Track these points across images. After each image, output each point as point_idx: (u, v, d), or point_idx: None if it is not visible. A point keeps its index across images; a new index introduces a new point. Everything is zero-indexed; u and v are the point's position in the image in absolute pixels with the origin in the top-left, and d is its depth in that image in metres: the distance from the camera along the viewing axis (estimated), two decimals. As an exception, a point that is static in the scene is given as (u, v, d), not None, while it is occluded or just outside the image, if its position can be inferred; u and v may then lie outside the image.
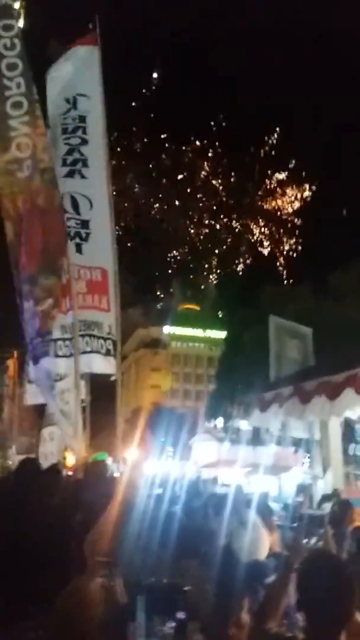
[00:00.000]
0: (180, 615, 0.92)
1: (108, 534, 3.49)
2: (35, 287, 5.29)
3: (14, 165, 5.52)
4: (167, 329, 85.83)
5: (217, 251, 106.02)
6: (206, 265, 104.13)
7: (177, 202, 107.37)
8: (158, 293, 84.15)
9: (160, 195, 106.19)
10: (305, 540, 1.95)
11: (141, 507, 3.76)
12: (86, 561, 3.53)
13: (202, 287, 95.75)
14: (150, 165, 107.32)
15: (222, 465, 25.29)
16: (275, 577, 2.08)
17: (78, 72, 6.54)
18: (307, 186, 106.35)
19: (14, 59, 5.67)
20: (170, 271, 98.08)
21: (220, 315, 70.92)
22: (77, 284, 5.83)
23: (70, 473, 5.97)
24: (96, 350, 5.89)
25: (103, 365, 5.88)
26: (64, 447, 9.45)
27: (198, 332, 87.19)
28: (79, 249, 6.13)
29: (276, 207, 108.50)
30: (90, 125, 6.40)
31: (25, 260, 5.38)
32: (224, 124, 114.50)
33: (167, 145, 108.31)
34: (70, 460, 8.58)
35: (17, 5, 6.18)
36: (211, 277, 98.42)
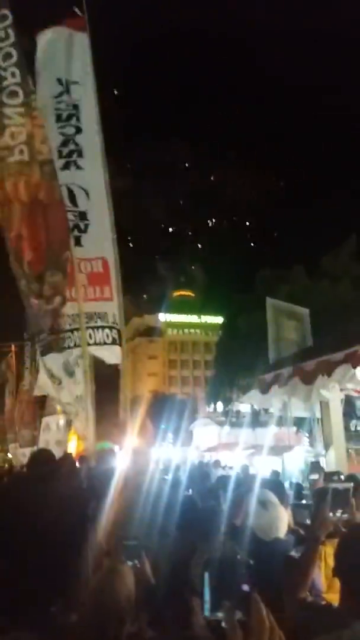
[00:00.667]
0: (245, 587, 0.96)
1: (124, 518, 3.57)
2: (44, 286, 5.27)
3: (5, 151, 5.46)
4: (162, 317, 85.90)
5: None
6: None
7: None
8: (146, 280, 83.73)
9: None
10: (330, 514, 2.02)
11: (155, 492, 3.83)
12: (106, 545, 3.61)
13: (192, 268, 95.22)
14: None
15: (223, 449, 25.63)
16: (303, 550, 2.16)
17: (67, 56, 6.44)
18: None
19: (8, 48, 5.58)
20: (156, 257, 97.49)
21: (215, 301, 70.89)
22: (79, 277, 5.84)
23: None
24: (100, 342, 5.91)
25: (108, 355, 5.91)
26: (70, 434, 9.55)
27: (193, 319, 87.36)
28: (78, 241, 6.11)
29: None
30: (84, 112, 6.33)
31: (33, 258, 5.36)
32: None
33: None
34: (72, 448, 8.66)
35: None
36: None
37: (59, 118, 6.24)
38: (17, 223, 5.39)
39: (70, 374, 5.29)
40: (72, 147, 6.23)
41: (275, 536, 2.53)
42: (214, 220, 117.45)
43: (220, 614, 0.98)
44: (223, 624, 0.96)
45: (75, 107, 6.31)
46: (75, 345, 5.72)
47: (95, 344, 5.90)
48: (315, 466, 8.80)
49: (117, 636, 1.71)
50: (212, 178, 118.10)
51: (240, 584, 1.00)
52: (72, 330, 5.78)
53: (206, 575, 1.04)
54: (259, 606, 0.97)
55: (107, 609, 1.80)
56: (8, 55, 5.58)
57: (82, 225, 6.15)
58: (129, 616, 1.85)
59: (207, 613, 1.00)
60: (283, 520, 2.64)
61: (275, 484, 4.24)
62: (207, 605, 1.01)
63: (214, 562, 1.06)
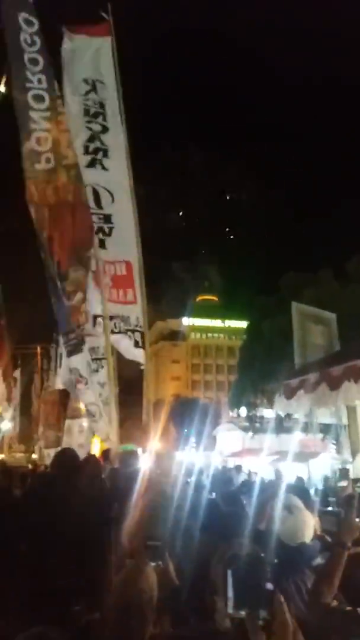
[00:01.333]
0: (269, 586, 0.95)
1: (148, 520, 3.56)
2: (66, 282, 5.36)
3: (33, 156, 5.59)
4: (186, 321, 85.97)
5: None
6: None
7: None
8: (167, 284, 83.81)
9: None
10: (358, 520, 1.97)
11: (178, 494, 3.82)
12: (129, 546, 3.61)
13: (216, 272, 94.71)
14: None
15: (247, 454, 25.40)
16: (329, 555, 2.11)
17: (93, 59, 6.53)
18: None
19: (35, 54, 5.69)
20: (179, 261, 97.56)
21: (238, 305, 70.55)
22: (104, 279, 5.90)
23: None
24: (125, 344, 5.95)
25: (132, 354, 5.94)
26: (92, 439, 9.63)
27: (217, 323, 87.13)
28: (102, 244, 6.16)
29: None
30: (109, 113, 6.40)
31: (61, 257, 5.47)
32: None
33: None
34: (95, 451, 8.71)
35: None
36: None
37: (86, 112, 6.32)
38: (47, 225, 5.52)
39: (94, 373, 5.34)
40: (98, 144, 6.30)
41: (301, 541, 2.48)
42: (237, 224, 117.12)
43: (243, 612, 0.96)
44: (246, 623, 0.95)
45: (102, 105, 6.39)
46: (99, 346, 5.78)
47: (120, 347, 5.94)
48: (343, 473, 8.62)
49: (141, 636, 1.70)
50: (235, 181, 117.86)
51: (264, 582, 0.98)
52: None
53: (229, 573, 1.02)
54: (282, 607, 0.95)
55: (131, 608, 1.80)
56: (34, 61, 5.69)
57: (106, 229, 6.20)
58: (151, 616, 1.84)
59: (230, 610, 0.98)
60: (309, 525, 2.58)
61: (299, 489, 4.16)
62: (230, 603, 0.99)
63: (237, 559, 1.05)
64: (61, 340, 5.77)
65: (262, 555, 1.65)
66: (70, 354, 5.45)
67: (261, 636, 0.93)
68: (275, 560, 1.06)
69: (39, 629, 1.49)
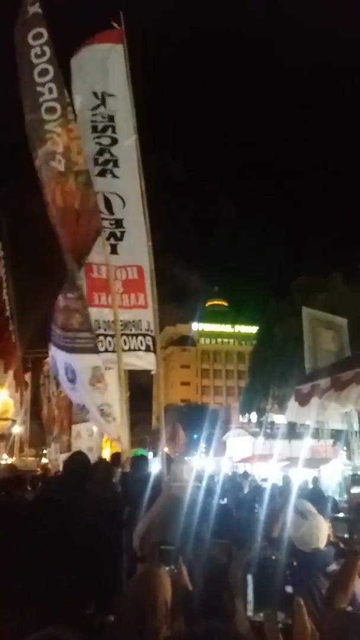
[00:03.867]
0: (289, 589, 0.95)
1: (160, 524, 3.56)
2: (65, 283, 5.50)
3: (48, 155, 5.67)
4: (195, 326, 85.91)
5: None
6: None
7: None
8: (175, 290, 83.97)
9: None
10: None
11: (190, 499, 3.81)
12: (140, 551, 3.61)
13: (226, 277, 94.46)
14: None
15: (257, 460, 25.24)
16: (343, 562, 2.10)
17: (103, 70, 6.55)
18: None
19: (45, 64, 5.74)
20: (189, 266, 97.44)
21: (248, 310, 70.35)
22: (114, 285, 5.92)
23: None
24: (135, 348, 5.95)
25: (141, 362, 5.93)
26: (102, 442, 9.66)
27: (226, 328, 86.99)
28: (114, 249, 6.18)
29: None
30: (119, 123, 6.41)
31: (67, 260, 5.56)
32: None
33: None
34: (106, 454, 8.73)
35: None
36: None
37: (94, 129, 6.35)
38: (53, 212, 5.65)
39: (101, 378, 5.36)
40: (107, 156, 6.33)
41: (315, 547, 2.47)
42: (246, 229, 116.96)
43: (262, 615, 0.97)
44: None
45: (111, 118, 6.41)
46: (107, 351, 5.79)
47: (130, 349, 5.94)
48: (355, 479, 8.54)
49: (154, 637, 1.70)
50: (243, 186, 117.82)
51: (284, 585, 0.98)
52: (104, 336, 5.85)
53: (249, 577, 1.02)
54: (302, 610, 0.95)
55: (144, 609, 1.80)
56: (45, 72, 5.74)
57: (118, 233, 6.21)
58: (165, 619, 1.84)
59: (250, 613, 0.98)
60: (323, 531, 2.56)
61: (316, 493, 4.13)
62: (250, 606, 0.99)
63: (257, 563, 1.05)
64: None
65: (281, 559, 1.64)
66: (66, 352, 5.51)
67: (280, 639, 0.93)
68: (295, 563, 1.06)
69: (51, 630, 1.50)
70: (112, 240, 6.18)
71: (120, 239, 6.23)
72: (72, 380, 5.60)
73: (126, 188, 6.29)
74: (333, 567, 2.55)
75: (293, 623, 0.96)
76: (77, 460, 4.17)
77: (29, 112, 5.78)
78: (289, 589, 0.98)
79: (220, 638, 0.91)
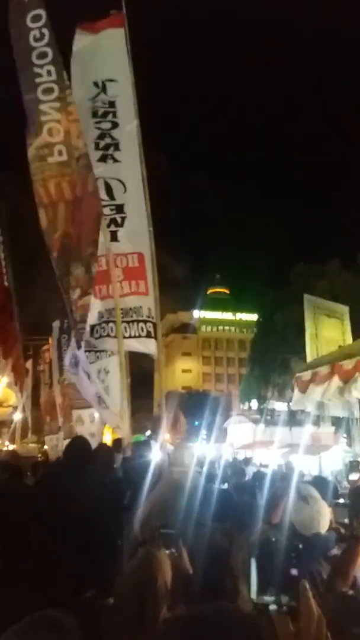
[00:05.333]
0: (294, 572, 0.94)
1: (161, 508, 3.57)
2: (70, 277, 5.36)
3: (44, 150, 5.52)
4: (197, 314, 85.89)
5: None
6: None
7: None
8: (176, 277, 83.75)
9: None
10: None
11: (191, 484, 3.82)
12: (141, 535, 3.62)
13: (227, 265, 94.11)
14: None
15: (258, 447, 25.42)
16: (344, 546, 2.10)
17: (104, 56, 6.45)
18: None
19: (44, 47, 5.63)
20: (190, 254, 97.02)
21: (250, 298, 70.25)
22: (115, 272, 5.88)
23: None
24: (136, 335, 5.93)
25: (142, 346, 5.92)
26: (104, 428, 9.69)
27: (228, 316, 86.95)
28: (114, 236, 6.13)
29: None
30: (120, 108, 6.33)
31: (65, 248, 5.46)
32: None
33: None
34: (107, 440, 8.76)
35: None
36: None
37: (95, 114, 6.27)
38: (63, 222, 5.46)
39: (101, 363, 5.36)
40: (108, 140, 6.26)
41: (316, 531, 2.47)
42: (247, 215, 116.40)
43: (266, 598, 0.95)
44: (270, 608, 0.94)
45: (112, 104, 6.32)
46: (108, 336, 5.78)
47: (131, 336, 5.93)
48: (354, 466, 8.59)
49: (154, 618, 1.70)
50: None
51: (289, 568, 0.97)
52: (107, 322, 5.83)
53: (252, 560, 1.01)
54: (308, 593, 0.94)
55: (145, 591, 1.80)
56: (43, 55, 5.64)
57: (118, 219, 6.16)
58: (165, 602, 1.84)
59: (254, 596, 0.97)
60: (325, 516, 2.57)
61: (319, 479, 4.13)
62: (254, 589, 0.98)
63: (262, 545, 1.03)
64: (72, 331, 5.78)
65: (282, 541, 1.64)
66: (78, 345, 5.46)
67: (286, 621, 0.92)
68: (301, 546, 1.06)
69: (50, 612, 1.49)
70: (112, 227, 6.13)
71: (121, 225, 6.18)
72: (76, 365, 5.60)
73: (127, 172, 6.22)
74: (334, 551, 2.56)
75: (299, 606, 0.95)
76: (77, 445, 4.18)
77: (26, 92, 5.67)
78: (294, 572, 0.97)
79: (229, 617, 0.90)
